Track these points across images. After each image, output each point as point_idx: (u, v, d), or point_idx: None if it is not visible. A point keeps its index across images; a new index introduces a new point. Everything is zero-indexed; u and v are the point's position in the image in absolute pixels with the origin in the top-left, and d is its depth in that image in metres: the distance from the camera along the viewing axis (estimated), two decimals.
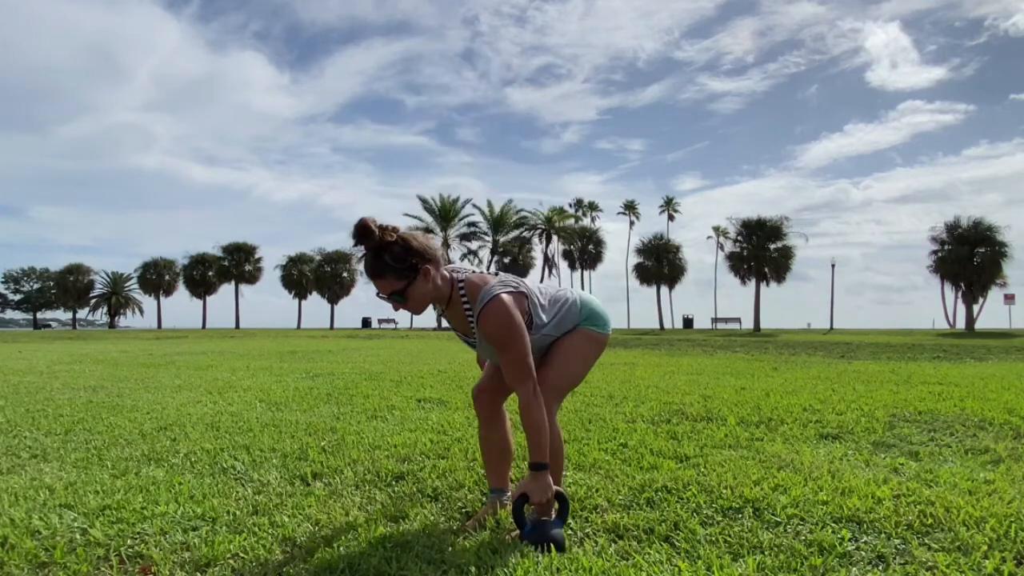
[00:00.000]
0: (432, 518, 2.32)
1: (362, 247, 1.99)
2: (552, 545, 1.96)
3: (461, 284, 2.12)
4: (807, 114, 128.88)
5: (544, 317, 2.20)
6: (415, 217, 54.10)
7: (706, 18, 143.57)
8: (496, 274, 2.20)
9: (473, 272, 2.17)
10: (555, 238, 58.53)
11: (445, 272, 2.11)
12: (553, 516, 2.10)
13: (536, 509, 2.10)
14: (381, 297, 2.03)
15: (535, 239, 58.02)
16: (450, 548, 2.00)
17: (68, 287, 69.82)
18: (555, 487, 2.07)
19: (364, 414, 4.65)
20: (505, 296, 2.06)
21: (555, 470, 2.21)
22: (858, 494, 2.45)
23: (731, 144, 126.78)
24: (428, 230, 53.43)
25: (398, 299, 2.03)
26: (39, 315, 77.05)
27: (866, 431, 3.85)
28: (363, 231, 1.95)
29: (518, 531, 2.05)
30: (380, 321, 54.62)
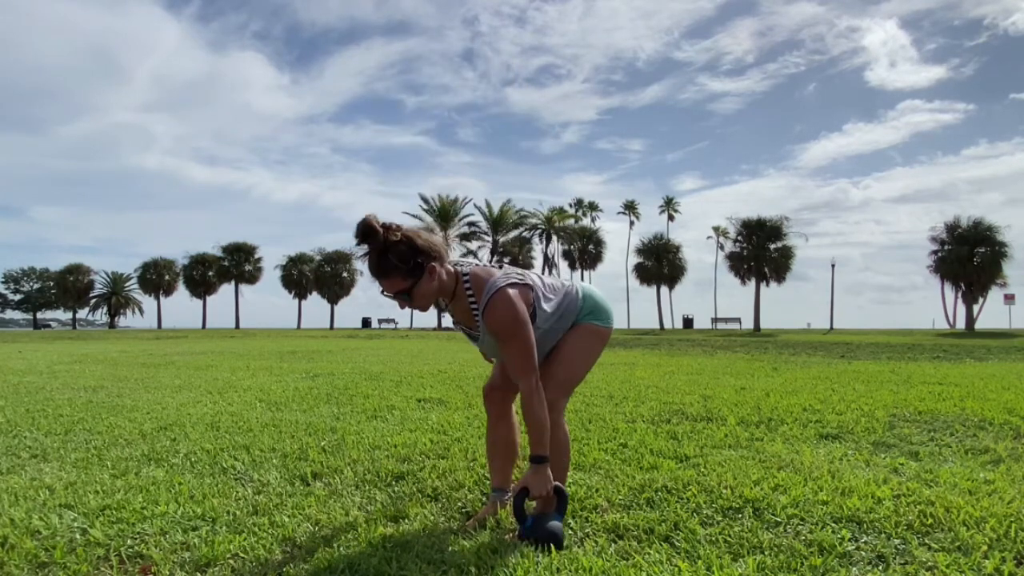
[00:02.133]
0: (432, 518, 2.32)
1: (365, 246, 1.98)
2: (551, 540, 1.97)
3: (466, 278, 2.12)
4: (806, 113, 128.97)
5: (548, 308, 2.19)
6: (415, 217, 54.22)
7: (706, 18, 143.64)
8: (500, 266, 2.20)
9: (477, 265, 2.17)
10: (555, 238, 58.57)
11: (449, 267, 2.11)
12: (552, 510, 2.10)
13: (537, 504, 2.10)
14: (386, 295, 2.02)
15: (535, 239, 58.10)
16: (450, 548, 2.00)
17: (68, 287, 69.81)
18: (554, 482, 2.07)
19: (364, 414, 4.65)
20: (510, 289, 2.06)
21: (561, 468, 2.21)
22: (858, 494, 2.45)
23: (730, 144, 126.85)
24: (428, 230, 53.44)
25: (404, 297, 2.02)
26: (39, 315, 77.03)
27: (866, 431, 3.85)
28: (367, 230, 1.94)
29: (518, 526, 2.05)
30: (380, 321, 54.61)
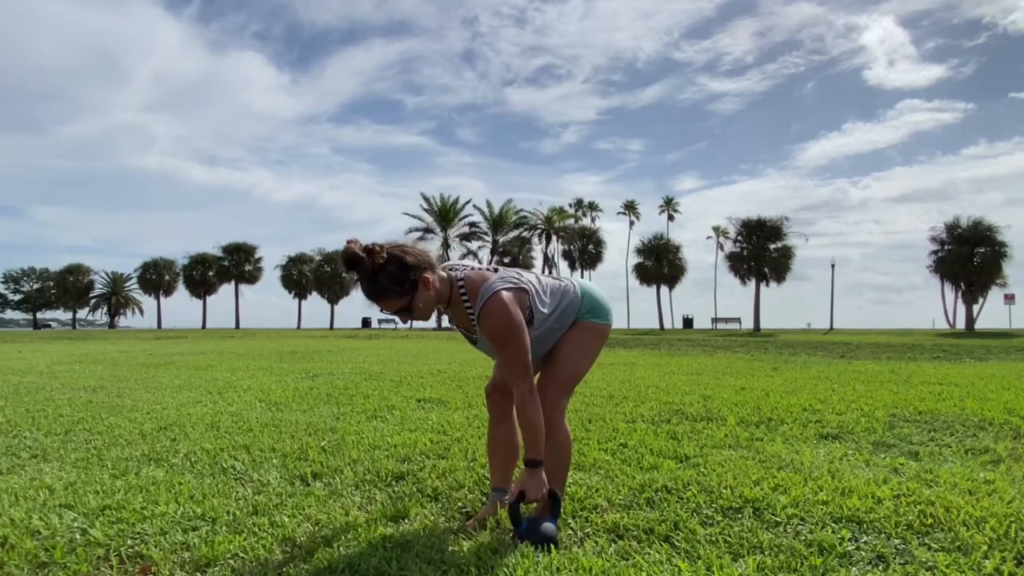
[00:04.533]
0: (432, 518, 2.32)
1: (355, 274, 1.96)
2: (546, 543, 1.97)
3: (461, 283, 2.11)
4: (805, 113, 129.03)
5: (545, 310, 2.18)
6: (415, 217, 54.23)
7: (705, 19, 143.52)
8: (495, 270, 2.19)
9: (472, 269, 2.16)
10: (555, 238, 58.55)
11: (443, 273, 2.11)
12: (546, 513, 2.10)
13: (537, 507, 2.10)
14: (386, 313, 2.04)
15: (535, 239, 58.08)
16: (450, 548, 2.00)
17: (68, 287, 69.82)
18: (548, 486, 2.06)
19: (364, 414, 4.65)
20: (505, 293, 2.05)
21: (562, 468, 2.21)
22: (858, 494, 2.45)
23: (730, 144, 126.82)
24: (428, 230, 53.51)
25: (404, 313, 2.03)
26: (39, 315, 77.04)
27: (866, 431, 3.85)
28: (351, 260, 1.92)
29: (514, 529, 2.06)
30: (380, 321, 54.62)
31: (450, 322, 2.29)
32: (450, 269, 2.15)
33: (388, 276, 1.95)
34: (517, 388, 2.04)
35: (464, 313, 2.14)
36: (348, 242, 1.94)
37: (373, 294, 1.98)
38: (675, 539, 2.06)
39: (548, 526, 2.03)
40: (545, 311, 2.18)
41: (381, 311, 2.03)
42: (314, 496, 2.56)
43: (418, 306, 2.02)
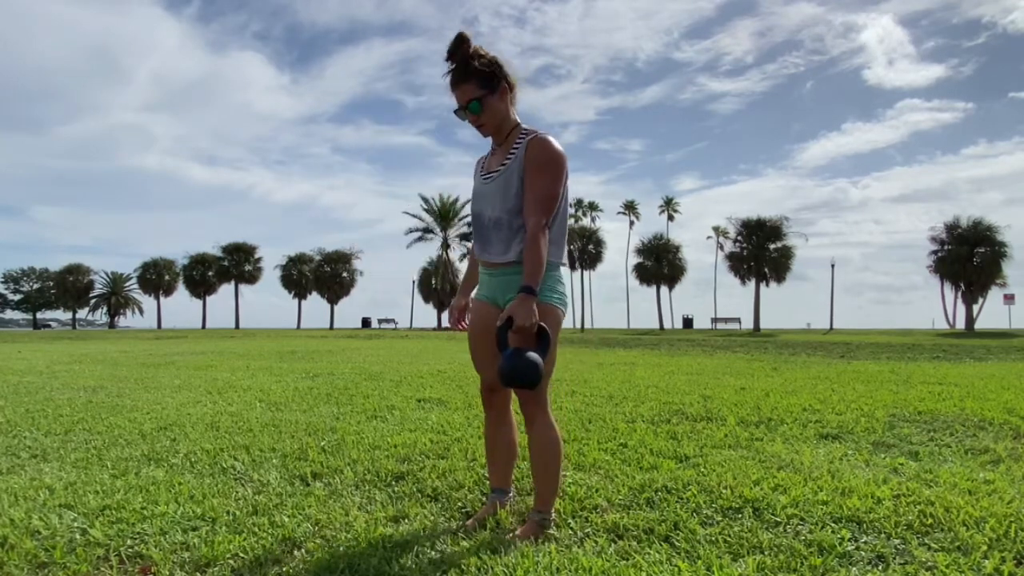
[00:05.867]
0: (432, 518, 2.32)
1: (451, 62, 2.09)
2: (529, 369, 1.95)
3: (524, 127, 2.20)
4: (805, 113, 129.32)
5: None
6: (415, 217, 54.23)
7: (705, 19, 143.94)
8: None
9: None
10: None
11: (516, 116, 2.20)
12: (532, 347, 2.04)
13: (517, 335, 2.02)
14: (458, 114, 2.15)
15: None
16: (450, 548, 2.00)
17: (68, 287, 69.84)
18: (539, 321, 2.01)
19: (364, 414, 4.65)
20: (560, 148, 2.13)
21: (553, 471, 2.18)
22: (858, 494, 2.45)
23: (730, 144, 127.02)
24: (428, 230, 53.54)
25: (475, 107, 2.11)
26: (39, 315, 77.04)
27: (866, 431, 3.85)
28: (461, 40, 2.07)
29: (498, 352, 2.03)
30: (380, 321, 54.67)
31: (474, 176, 2.32)
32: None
33: (482, 63, 2.09)
34: (533, 220, 2.05)
35: (504, 153, 2.19)
36: (461, 31, 2.08)
37: (460, 74, 2.10)
38: (675, 539, 2.06)
39: (534, 356, 1.99)
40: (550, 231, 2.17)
41: (455, 111, 2.15)
42: (314, 496, 2.56)
43: (489, 106, 2.12)
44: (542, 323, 2.04)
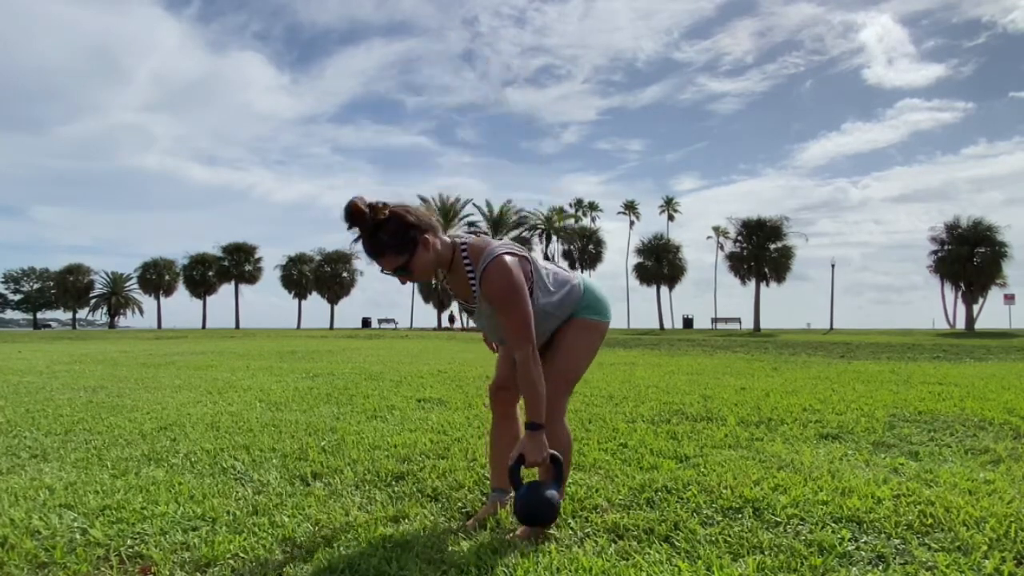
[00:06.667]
0: (432, 518, 2.32)
1: (356, 230, 1.96)
2: (546, 507, 1.97)
3: (464, 247, 2.10)
4: (805, 113, 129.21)
5: (544, 294, 2.17)
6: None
7: (705, 19, 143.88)
8: (500, 239, 2.19)
9: (476, 237, 2.17)
10: (555, 238, 58.57)
11: (446, 238, 2.10)
12: (549, 479, 2.09)
13: (539, 473, 2.09)
14: (386, 273, 2.02)
15: (535, 239, 58.08)
16: (450, 548, 2.00)
17: (68, 287, 69.83)
18: (550, 450, 2.04)
19: (364, 414, 4.65)
20: (508, 257, 2.05)
21: (563, 470, 2.20)
22: (858, 494, 2.45)
23: (730, 144, 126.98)
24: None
25: (403, 272, 2.02)
26: (39, 315, 77.03)
27: (866, 431, 3.85)
28: (354, 213, 1.91)
29: (513, 492, 2.04)
30: (380, 321, 54.61)
31: (448, 289, 2.25)
32: (454, 236, 2.15)
33: (388, 233, 1.95)
34: (519, 352, 2.02)
35: (465, 279, 2.11)
36: (353, 198, 1.94)
37: (372, 250, 1.98)
38: (675, 539, 2.06)
39: (552, 493, 2.00)
40: (545, 295, 2.17)
41: (382, 271, 2.02)
42: (314, 496, 2.56)
43: (416, 266, 2.01)
44: (553, 451, 2.06)
